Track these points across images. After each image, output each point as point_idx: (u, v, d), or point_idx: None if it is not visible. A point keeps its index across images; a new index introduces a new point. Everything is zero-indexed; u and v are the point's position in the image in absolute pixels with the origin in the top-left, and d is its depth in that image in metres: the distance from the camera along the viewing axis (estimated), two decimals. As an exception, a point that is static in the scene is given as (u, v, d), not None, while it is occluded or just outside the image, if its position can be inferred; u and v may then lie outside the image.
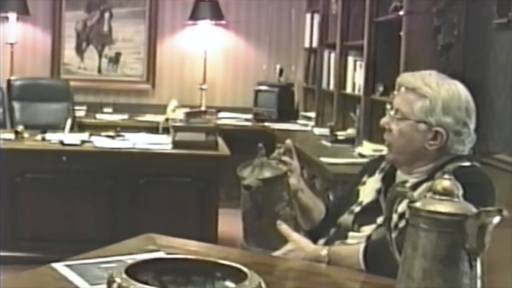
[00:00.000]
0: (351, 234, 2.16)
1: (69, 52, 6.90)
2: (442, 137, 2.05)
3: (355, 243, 2.09)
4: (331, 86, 5.69)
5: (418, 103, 2.06)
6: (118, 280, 1.26)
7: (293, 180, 2.30)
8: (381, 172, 2.23)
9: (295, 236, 2.13)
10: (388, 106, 2.19)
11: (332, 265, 2.04)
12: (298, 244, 2.11)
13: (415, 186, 2.01)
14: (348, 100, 5.30)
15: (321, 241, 2.23)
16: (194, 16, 6.78)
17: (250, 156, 2.28)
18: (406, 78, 2.15)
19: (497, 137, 3.42)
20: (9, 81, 6.18)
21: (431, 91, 2.05)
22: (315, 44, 6.36)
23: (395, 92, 2.22)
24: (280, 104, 6.64)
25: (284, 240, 2.13)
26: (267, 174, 2.17)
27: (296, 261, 2.06)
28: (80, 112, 6.39)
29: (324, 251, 2.07)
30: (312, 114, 6.29)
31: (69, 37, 6.88)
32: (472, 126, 2.09)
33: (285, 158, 2.29)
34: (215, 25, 6.88)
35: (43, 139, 4.85)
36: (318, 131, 5.67)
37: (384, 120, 2.16)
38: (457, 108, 2.05)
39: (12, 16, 6.57)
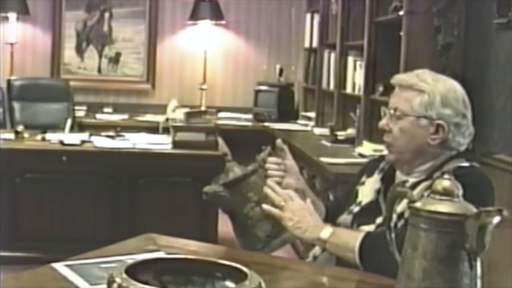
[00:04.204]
0: (350, 233, 2.16)
1: (69, 52, 6.90)
2: (443, 130, 2.06)
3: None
4: (331, 86, 5.70)
5: (416, 99, 2.07)
6: (118, 280, 1.26)
7: (289, 180, 2.29)
8: (380, 172, 2.23)
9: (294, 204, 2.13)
10: (385, 109, 2.18)
11: (328, 249, 2.05)
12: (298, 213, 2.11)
13: (414, 186, 2.02)
14: (348, 100, 5.30)
15: (331, 229, 2.21)
16: (194, 16, 6.78)
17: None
18: (400, 77, 2.16)
19: (497, 137, 3.42)
20: (9, 81, 6.18)
21: (428, 86, 2.07)
22: (315, 44, 6.37)
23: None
24: (280, 104, 6.65)
25: (267, 241, 2.13)
26: (226, 178, 2.18)
27: (296, 261, 2.06)
28: (80, 112, 6.39)
29: (324, 234, 2.06)
30: (312, 114, 6.29)
31: (69, 37, 6.89)
32: (470, 118, 2.10)
33: (273, 159, 2.28)
34: (215, 25, 6.89)
35: (43, 139, 4.85)
36: (318, 131, 5.68)
37: (383, 122, 2.16)
38: (454, 100, 2.07)
39: (12, 16, 6.58)
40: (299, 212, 2.11)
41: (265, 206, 2.13)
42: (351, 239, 2.02)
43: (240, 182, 2.18)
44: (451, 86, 2.09)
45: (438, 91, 2.06)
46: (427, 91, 2.06)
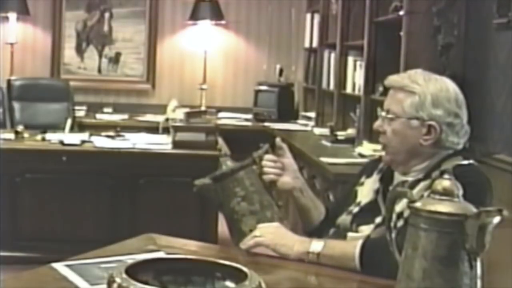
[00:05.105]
0: (349, 234, 2.15)
1: (69, 52, 6.90)
2: (435, 131, 2.06)
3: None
4: (331, 86, 5.70)
5: (407, 100, 2.07)
6: (118, 280, 1.26)
7: (286, 179, 2.29)
8: (379, 172, 2.23)
9: (266, 240, 2.09)
10: (380, 110, 2.19)
11: (322, 262, 2.03)
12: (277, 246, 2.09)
13: (412, 185, 2.01)
14: (348, 100, 5.30)
15: (321, 241, 2.21)
16: (194, 16, 6.78)
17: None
18: (392, 79, 2.16)
19: (497, 137, 3.42)
20: (9, 81, 6.18)
21: (418, 87, 2.07)
22: (315, 44, 6.36)
23: None
24: (280, 104, 6.65)
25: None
26: (216, 173, 2.22)
27: (296, 261, 2.05)
28: (80, 112, 6.39)
29: (316, 247, 2.04)
30: (312, 114, 6.29)
31: (69, 37, 6.89)
32: (464, 117, 2.09)
33: (270, 156, 2.29)
34: (215, 25, 6.89)
35: (43, 139, 4.85)
36: (318, 131, 5.67)
37: (377, 124, 2.17)
38: (446, 100, 2.06)
39: (12, 16, 6.58)
40: (277, 230, 2.11)
41: (244, 246, 2.10)
42: (348, 247, 2.01)
43: (228, 177, 2.21)
44: (443, 86, 2.08)
45: (429, 91, 2.06)
46: (417, 92, 2.06)
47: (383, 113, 2.13)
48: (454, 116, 2.07)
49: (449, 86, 2.10)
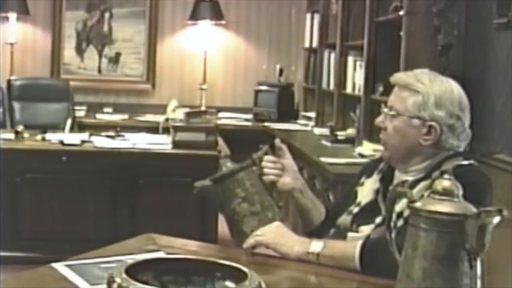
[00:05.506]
0: (350, 234, 2.16)
1: (69, 52, 6.90)
2: (436, 132, 2.06)
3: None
4: (331, 86, 5.70)
5: (411, 99, 2.07)
6: (118, 280, 1.26)
7: (285, 180, 2.29)
8: (379, 173, 2.23)
9: (267, 239, 2.10)
10: (383, 106, 2.19)
11: (322, 262, 2.03)
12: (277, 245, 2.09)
13: (413, 185, 2.02)
14: (348, 100, 5.30)
15: (321, 241, 2.21)
16: (194, 16, 6.78)
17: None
18: (398, 76, 2.16)
19: (497, 137, 3.42)
20: (9, 81, 6.18)
21: (423, 87, 2.07)
22: (315, 44, 6.37)
23: None
24: (280, 104, 6.65)
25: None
26: (216, 174, 2.23)
27: (296, 261, 2.05)
28: (80, 112, 6.39)
29: (316, 247, 2.04)
30: (312, 114, 6.29)
31: (69, 37, 6.89)
32: (466, 121, 2.09)
33: (270, 157, 2.29)
34: (215, 25, 6.89)
35: (43, 139, 4.85)
36: (318, 131, 5.68)
37: (379, 119, 2.17)
38: (449, 102, 2.06)
39: (12, 16, 6.58)
40: (279, 229, 2.11)
41: (246, 244, 2.11)
42: (348, 247, 2.01)
43: (228, 178, 2.21)
44: (447, 88, 2.08)
45: (433, 92, 2.06)
46: (421, 91, 2.06)
47: (386, 110, 2.14)
48: (456, 119, 2.06)
49: (454, 88, 2.09)
